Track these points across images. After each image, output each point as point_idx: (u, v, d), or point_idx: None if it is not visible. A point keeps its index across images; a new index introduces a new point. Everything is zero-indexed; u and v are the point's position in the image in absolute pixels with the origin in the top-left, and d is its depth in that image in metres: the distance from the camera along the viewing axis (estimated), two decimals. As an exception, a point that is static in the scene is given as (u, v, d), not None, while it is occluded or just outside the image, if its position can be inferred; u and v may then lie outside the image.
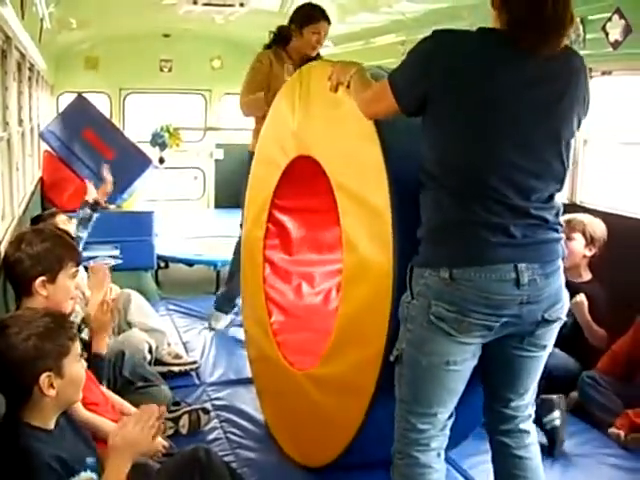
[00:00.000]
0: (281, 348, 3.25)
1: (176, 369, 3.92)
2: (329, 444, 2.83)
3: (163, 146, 7.49)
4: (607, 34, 3.70)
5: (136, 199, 5.86)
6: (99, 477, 2.04)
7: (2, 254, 2.63)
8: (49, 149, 5.46)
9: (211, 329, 4.75)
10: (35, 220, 3.90)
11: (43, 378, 1.93)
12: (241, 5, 5.78)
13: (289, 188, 3.28)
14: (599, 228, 3.81)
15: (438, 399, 2.18)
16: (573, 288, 3.80)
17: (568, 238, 3.77)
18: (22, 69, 4.10)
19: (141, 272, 5.49)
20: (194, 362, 4.04)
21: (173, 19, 7.05)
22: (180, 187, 8.48)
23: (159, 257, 6.00)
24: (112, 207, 5.44)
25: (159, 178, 7.70)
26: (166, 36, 7.84)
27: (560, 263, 2.16)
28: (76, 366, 2.05)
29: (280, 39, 4.42)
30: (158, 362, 3.85)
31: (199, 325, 4.85)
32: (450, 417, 2.25)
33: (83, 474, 1.99)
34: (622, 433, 3.26)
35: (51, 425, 2.01)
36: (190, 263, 6.00)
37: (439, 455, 2.25)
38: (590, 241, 3.81)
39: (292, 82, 3.15)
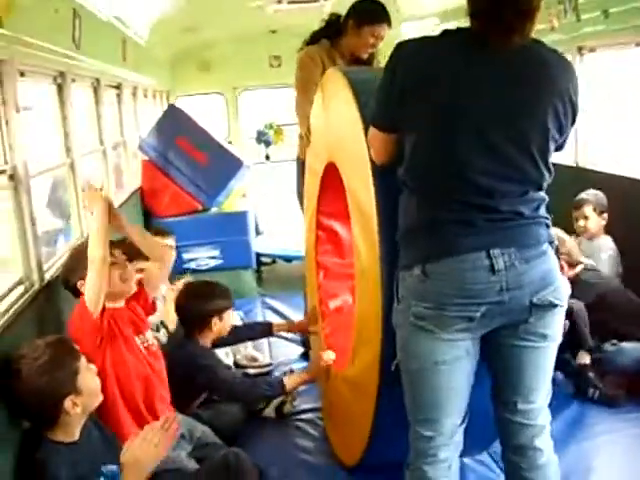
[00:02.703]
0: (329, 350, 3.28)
1: (252, 371, 4.07)
2: (355, 443, 2.86)
3: (268, 144, 7.65)
4: None
5: (235, 199, 6.02)
6: None
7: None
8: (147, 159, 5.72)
9: None
10: None
11: (67, 402, 2.12)
12: (325, -1, 5.78)
13: (330, 194, 3.30)
14: None
15: (436, 403, 2.13)
16: None
17: None
18: (98, 93, 4.32)
19: (240, 271, 5.66)
20: (269, 364, 4.19)
21: (278, 15, 7.15)
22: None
23: (264, 255, 6.20)
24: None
25: (271, 174, 7.90)
26: (273, 32, 7.96)
27: (546, 247, 2.07)
28: (89, 377, 2.24)
29: (330, 32, 3.84)
30: (235, 365, 4.04)
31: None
32: (462, 423, 2.19)
33: None
34: None
35: (76, 436, 2.19)
36: (288, 259, 6.12)
37: (450, 468, 2.20)
38: None
39: (319, 89, 3.15)
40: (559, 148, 2.12)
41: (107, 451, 2.30)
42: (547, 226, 2.10)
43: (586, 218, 4.17)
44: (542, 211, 2.09)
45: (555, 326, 2.12)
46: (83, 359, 2.24)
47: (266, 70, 8.15)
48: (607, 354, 3.58)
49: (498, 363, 2.18)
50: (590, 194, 4.22)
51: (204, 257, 5.52)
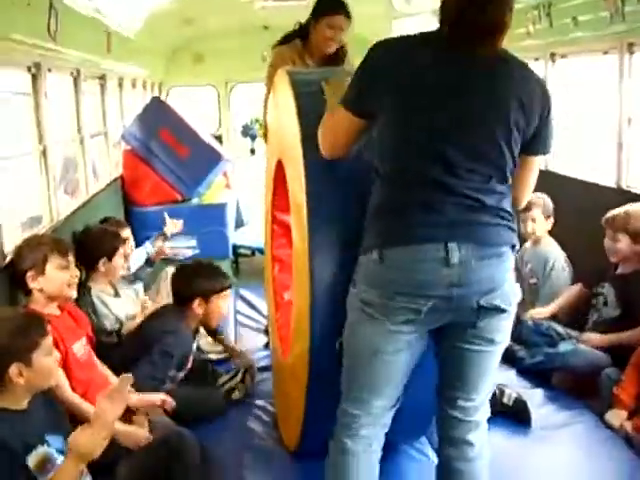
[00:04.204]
0: (282, 341, 3.40)
1: (213, 357, 4.20)
2: (293, 428, 2.99)
3: (253, 137, 7.77)
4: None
5: (217, 191, 6.16)
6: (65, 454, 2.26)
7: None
8: (129, 148, 5.86)
9: None
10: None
11: (13, 368, 2.22)
12: (311, -4, 5.88)
13: (282, 189, 3.38)
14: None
15: (370, 386, 2.21)
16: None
17: (613, 240, 3.67)
18: (78, 84, 4.46)
19: (217, 261, 5.76)
20: (231, 351, 4.28)
21: (267, 12, 7.25)
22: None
23: (242, 246, 6.33)
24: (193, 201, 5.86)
25: (257, 167, 8.02)
26: (266, 28, 8.07)
27: (506, 250, 2.10)
28: (46, 359, 2.32)
29: (304, 32, 3.95)
30: (198, 349, 4.15)
31: (254, 312, 5.17)
32: (392, 408, 2.27)
33: (40, 448, 2.24)
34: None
35: (23, 405, 2.29)
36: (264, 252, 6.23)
37: (371, 445, 2.28)
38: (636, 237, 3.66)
39: (272, 88, 3.27)
40: (540, 148, 2.20)
41: (52, 423, 2.40)
42: (510, 229, 2.13)
43: (534, 221, 4.28)
44: (505, 204, 2.12)
45: (503, 330, 2.17)
46: (49, 340, 2.33)
47: (258, 65, 8.25)
48: (562, 352, 3.70)
49: (446, 362, 2.26)
50: (538, 197, 4.28)
51: (182, 247, 5.64)
